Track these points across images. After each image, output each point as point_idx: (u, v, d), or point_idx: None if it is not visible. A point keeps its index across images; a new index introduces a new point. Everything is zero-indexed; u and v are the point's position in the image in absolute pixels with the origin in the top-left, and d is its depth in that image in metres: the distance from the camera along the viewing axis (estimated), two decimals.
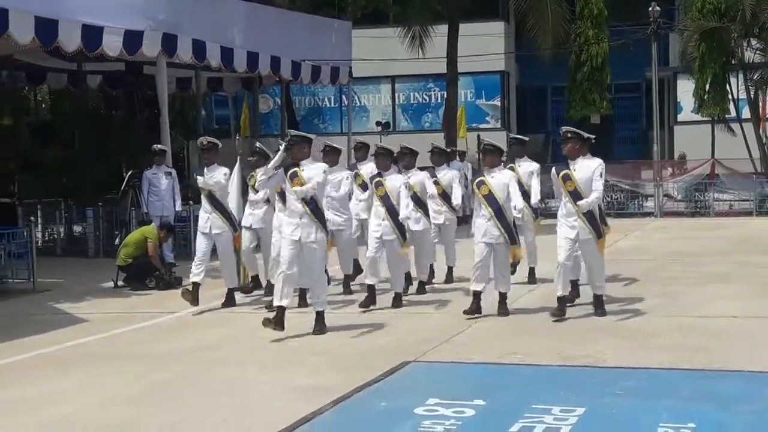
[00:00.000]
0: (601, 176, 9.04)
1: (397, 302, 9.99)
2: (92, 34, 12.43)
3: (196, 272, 9.99)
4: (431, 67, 24.57)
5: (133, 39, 13.18)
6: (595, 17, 27.21)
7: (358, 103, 28.44)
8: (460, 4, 22.82)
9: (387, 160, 9.96)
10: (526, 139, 11.90)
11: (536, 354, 7.69)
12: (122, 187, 14.23)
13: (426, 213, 10.64)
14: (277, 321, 8.38)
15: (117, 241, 9.11)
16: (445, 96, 23.93)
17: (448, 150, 11.47)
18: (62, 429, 6.05)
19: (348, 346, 8.28)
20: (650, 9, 25.10)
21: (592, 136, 9.53)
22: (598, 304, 9.26)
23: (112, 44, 12.83)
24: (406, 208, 9.72)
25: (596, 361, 7.47)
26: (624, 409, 6.10)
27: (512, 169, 10.45)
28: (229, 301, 10.30)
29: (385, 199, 9.78)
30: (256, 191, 9.77)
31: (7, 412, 6.50)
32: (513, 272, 10.32)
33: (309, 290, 9.21)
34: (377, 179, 9.93)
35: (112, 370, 7.49)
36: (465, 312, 9.16)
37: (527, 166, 11.00)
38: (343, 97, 26.52)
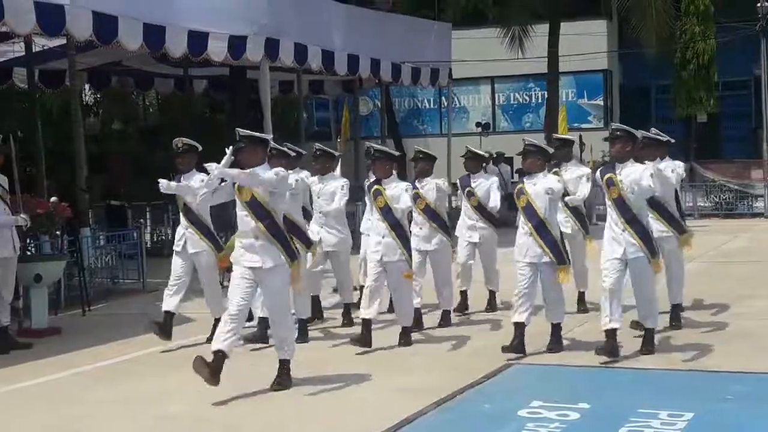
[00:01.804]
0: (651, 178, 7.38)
1: (405, 338, 8.41)
2: (198, 40, 12.70)
3: (169, 299, 8.59)
4: (531, 67, 24.34)
5: (237, 44, 13.43)
6: (702, 13, 26.48)
7: (458, 104, 28.37)
8: (561, 3, 22.55)
9: (386, 164, 8.41)
10: (573, 139, 10.46)
11: (640, 357, 7.54)
12: None
13: (443, 228, 9.20)
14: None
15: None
16: (546, 96, 23.68)
17: (486, 154, 10.52)
18: (173, 423, 6.21)
19: (448, 349, 8.27)
20: (758, 5, 24.32)
21: (664, 137, 8.66)
22: (646, 340, 7.68)
23: (217, 50, 13.09)
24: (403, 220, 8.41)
25: (702, 365, 7.29)
26: (734, 415, 5.94)
27: (557, 174, 9.07)
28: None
29: (386, 212, 8.29)
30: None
31: (122, 406, 6.73)
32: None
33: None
34: (376, 187, 8.40)
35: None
36: (504, 349, 7.72)
37: (575, 171, 9.45)
38: (443, 98, 26.47)
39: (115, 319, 10.43)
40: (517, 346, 7.72)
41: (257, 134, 7.02)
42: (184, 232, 8.60)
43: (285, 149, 8.62)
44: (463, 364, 7.53)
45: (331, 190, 9.14)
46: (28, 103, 15.46)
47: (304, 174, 9.16)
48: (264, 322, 8.30)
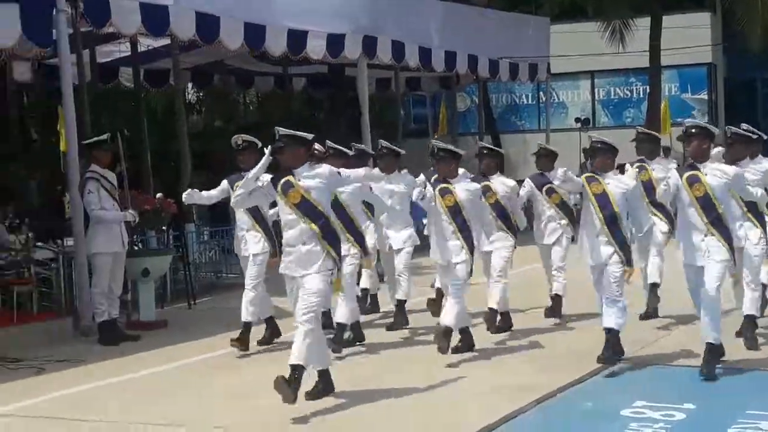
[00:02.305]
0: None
1: (445, 341, 7.71)
2: (297, 39, 12.87)
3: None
4: (633, 61, 23.85)
5: (335, 42, 13.56)
6: None
7: (557, 100, 28.00)
8: None
9: (450, 164, 7.95)
10: (658, 135, 9.76)
11: (746, 358, 7.33)
12: None
13: (510, 228, 8.83)
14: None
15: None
16: (648, 90, 23.19)
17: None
18: (269, 415, 6.30)
19: (550, 348, 8.20)
20: None
21: (756, 134, 8.01)
22: (709, 357, 6.94)
23: (315, 48, 13.25)
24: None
25: None
26: None
27: (644, 168, 8.87)
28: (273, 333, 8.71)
29: (454, 212, 7.82)
30: None
31: (224, 397, 6.88)
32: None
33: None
34: (443, 186, 7.91)
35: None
36: (599, 359, 7.29)
37: (662, 169, 8.74)
38: (541, 93, 26.17)
39: (219, 312, 10.66)
40: (611, 353, 7.30)
41: (298, 133, 6.61)
42: (243, 234, 8.49)
43: (342, 149, 8.49)
44: (565, 363, 7.45)
45: (401, 190, 8.95)
46: (134, 102, 15.88)
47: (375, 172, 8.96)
48: (357, 326, 8.43)
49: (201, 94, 23.30)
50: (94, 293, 9.27)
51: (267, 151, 6.54)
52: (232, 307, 10.80)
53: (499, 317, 8.79)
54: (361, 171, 7.71)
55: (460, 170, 8.40)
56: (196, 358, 8.20)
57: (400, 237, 9.15)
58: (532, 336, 8.68)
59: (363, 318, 8.97)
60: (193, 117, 22.72)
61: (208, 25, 11.30)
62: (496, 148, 9.23)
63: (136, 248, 10.48)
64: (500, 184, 8.81)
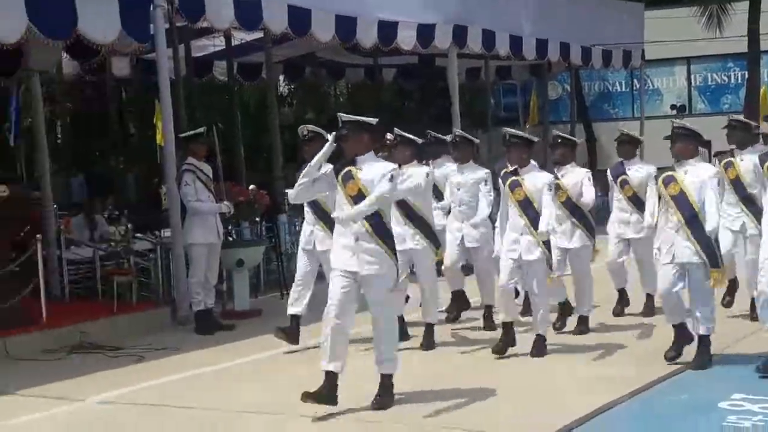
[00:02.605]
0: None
1: (537, 348, 7.55)
2: (388, 30, 12.91)
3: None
4: (731, 46, 23.18)
5: (426, 32, 13.55)
6: None
7: (651, 87, 27.42)
8: None
9: (522, 151, 7.49)
10: (752, 123, 8.87)
11: None
12: None
13: (586, 225, 8.34)
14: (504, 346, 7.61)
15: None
16: (746, 76, 22.53)
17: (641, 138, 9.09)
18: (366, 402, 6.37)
19: (644, 340, 8.07)
20: None
21: None
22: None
23: (406, 39, 13.26)
24: (548, 218, 7.45)
25: None
26: None
27: (731, 163, 8.28)
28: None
29: (525, 206, 7.42)
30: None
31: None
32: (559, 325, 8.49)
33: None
34: (514, 178, 7.51)
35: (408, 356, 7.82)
36: (665, 357, 7.11)
37: (754, 159, 7.77)
38: (635, 80, 25.67)
39: (310, 302, 10.75)
40: (677, 351, 7.08)
41: (361, 119, 6.26)
42: (312, 229, 7.98)
43: (411, 137, 8.07)
44: (648, 359, 7.30)
45: (471, 182, 8.56)
46: (228, 95, 16.15)
47: (448, 165, 8.87)
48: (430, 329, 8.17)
49: (292, 86, 23.58)
50: (191, 283, 9.48)
51: (330, 138, 6.22)
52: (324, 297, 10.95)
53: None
54: (419, 179, 7.64)
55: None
56: (287, 347, 8.29)
57: (473, 232, 8.57)
58: (630, 328, 8.53)
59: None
60: (284, 109, 23.02)
61: (299, 18, 11.41)
62: (569, 137, 8.79)
63: (230, 239, 10.67)
64: (573, 176, 8.34)
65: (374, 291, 6.12)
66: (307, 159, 7.45)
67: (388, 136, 8.32)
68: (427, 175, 7.87)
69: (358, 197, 6.07)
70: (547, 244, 7.43)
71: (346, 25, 12.16)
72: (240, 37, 14.08)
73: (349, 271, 6.06)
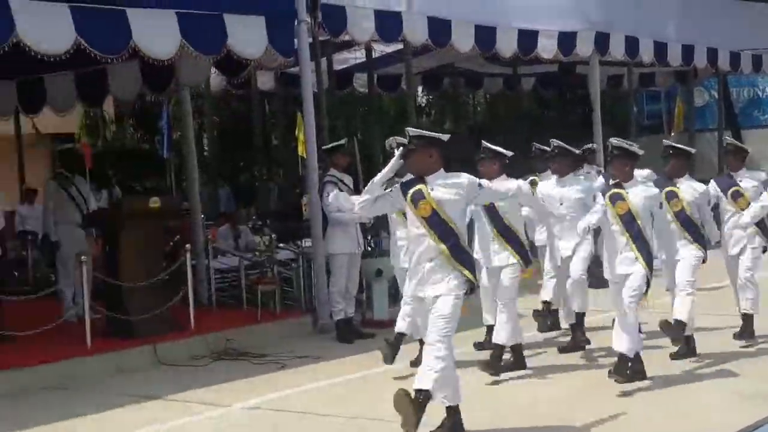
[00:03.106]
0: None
1: (617, 373, 6.93)
2: (528, 39, 12.81)
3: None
4: None
5: (567, 40, 13.37)
6: None
7: None
8: None
9: (625, 163, 7.08)
10: None
11: None
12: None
13: (698, 240, 7.72)
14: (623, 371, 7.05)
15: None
16: None
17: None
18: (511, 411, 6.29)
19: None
20: None
21: None
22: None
23: (547, 47, 13.12)
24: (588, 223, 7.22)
25: None
26: None
27: None
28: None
29: (627, 221, 7.00)
30: None
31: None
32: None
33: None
34: (615, 191, 7.09)
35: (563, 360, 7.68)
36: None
37: None
38: None
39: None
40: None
41: (431, 134, 5.92)
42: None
43: (499, 150, 7.60)
44: None
45: (575, 196, 8.14)
46: (367, 106, 16.34)
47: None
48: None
49: (431, 97, 23.66)
50: (332, 292, 9.62)
51: (397, 153, 5.90)
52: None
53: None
54: (511, 184, 7.21)
55: (645, 171, 7.97)
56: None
57: (571, 245, 8.12)
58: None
59: (542, 336, 8.64)
60: (422, 120, 23.12)
61: (439, 29, 11.47)
62: (684, 147, 8.09)
63: (369, 249, 10.77)
64: (689, 189, 7.80)
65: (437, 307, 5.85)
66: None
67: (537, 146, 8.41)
68: (519, 187, 7.32)
69: (431, 218, 5.73)
70: (647, 261, 6.93)
71: (485, 35, 12.14)
72: (380, 49, 14.23)
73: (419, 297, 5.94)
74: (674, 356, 7.75)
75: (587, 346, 8.30)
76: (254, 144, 18.87)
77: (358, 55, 15.12)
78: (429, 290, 5.76)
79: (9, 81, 12.35)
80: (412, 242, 5.90)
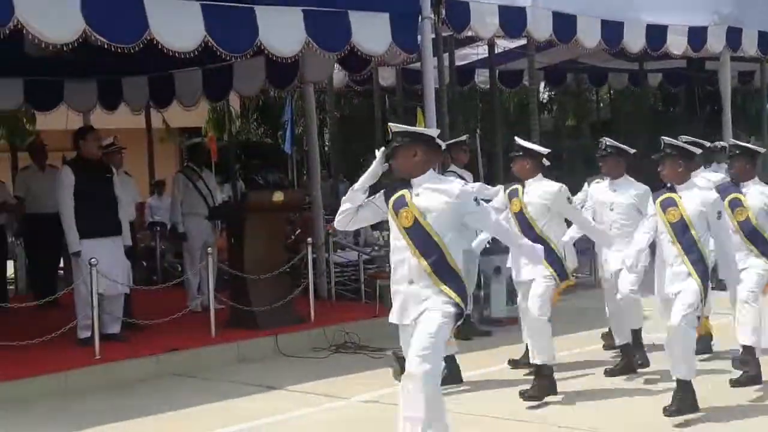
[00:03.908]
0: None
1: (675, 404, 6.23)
2: (656, 34, 12.48)
3: None
4: None
5: (697, 36, 12.96)
6: None
7: None
8: None
9: (677, 163, 6.38)
10: None
11: None
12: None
13: (765, 253, 6.94)
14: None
15: None
16: None
17: None
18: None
19: None
20: None
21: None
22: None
23: (676, 42, 12.76)
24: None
25: None
26: None
27: None
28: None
29: (680, 229, 6.27)
30: None
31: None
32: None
33: None
34: (667, 195, 6.39)
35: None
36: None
37: None
38: None
39: (568, 312, 10.53)
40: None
41: (417, 130, 5.24)
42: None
43: (532, 147, 7.13)
44: None
45: (627, 201, 7.54)
46: (487, 102, 16.24)
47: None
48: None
49: (553, 92, 23.36)
50: None
51: (378, 154, 5.14)
52: (585, 306, 10.73)
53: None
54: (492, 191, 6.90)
55: (716, 176, 7.48)
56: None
57: (619, 256, 7.16)
58: None
59: (609, 353, 8.13)
60: (543, 116, 22.84)
61: (564, 24, 11.28)
62: (751, 146, 7.26)
63: (487, 246, 10.69)
64: (758, 194, 7.00)
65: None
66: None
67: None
68: (560, 190, 6.96)
69: (413, 229, 4.92)
70: (702, 276, 6.18)
71: (612, 30, 11.88)
72: (503, 45, 14.11)
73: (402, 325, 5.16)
74: (735, 383, 6.95)
75: (641, 369, 7.56)
76: (374, 139, 19.02)
77: (480, 51, 15.02)
78: (413, 312, 4.95)
79: (141, 77, 12.78)
80: (392, 257, 5.08)
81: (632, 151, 7.75)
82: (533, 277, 6.99)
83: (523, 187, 7.14)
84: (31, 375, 7.69)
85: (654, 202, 6.49)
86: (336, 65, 11.49)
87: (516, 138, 7.32)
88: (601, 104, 24.99)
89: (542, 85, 20.43)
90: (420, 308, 4.93)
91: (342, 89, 17.72)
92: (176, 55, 8.12)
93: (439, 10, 10.00)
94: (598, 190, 7.86)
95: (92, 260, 8.07)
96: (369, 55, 9.56)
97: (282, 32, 8.60)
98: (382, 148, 5.16)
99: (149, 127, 15.03)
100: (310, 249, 9.61)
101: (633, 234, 6.87)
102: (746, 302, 6.91)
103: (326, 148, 21.23)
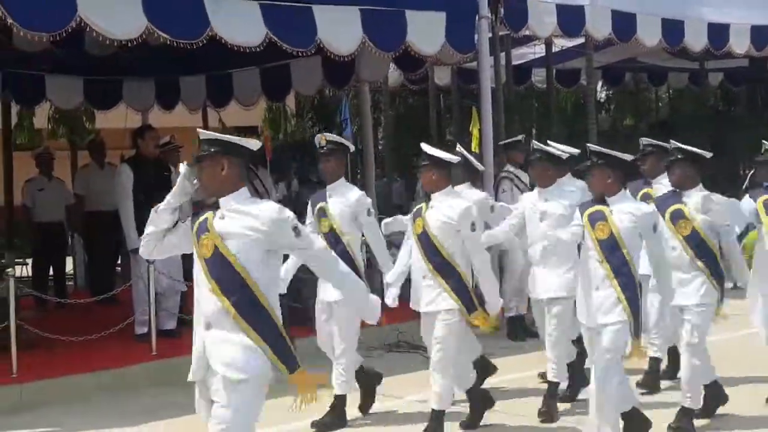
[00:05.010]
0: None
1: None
2: (718, 33, 12.30)
3: None
4: None
5: (760, 35, 12.76)
6: None
7: None
8: None
9: (687, 169, 6.03)
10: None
11: None
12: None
13: (715, 274, 6.07)
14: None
15: None
16: None
17: None
18: None
19: None
20: None
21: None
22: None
23: (738, 42, 12.56)
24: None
25: None
26: None
27: None
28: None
29: (609, 248, 5.50)
30: None
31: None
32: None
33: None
34: (595, 208, 5.66)
35: None
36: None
37: None
38: None
39: None
40: None
41: (227, 138, 4.14)
42: None
43: (440, 155, 6.23)
44: None
45: (558, 212, 6.67)
46: (543, 102, 16.09)
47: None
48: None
49: (611, 92, 23.08)
50: (504, 290, 9.52)
51: (182, 167, 4.19)
52: None
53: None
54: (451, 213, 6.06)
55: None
56: None
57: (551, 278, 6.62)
58: None
59: None
60: (601, 115, 22.56)
61: (624, 23, 11.19)
62: (694, 150, 6.16)
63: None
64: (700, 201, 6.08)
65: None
66: (328, 178, 6.48)
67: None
68: (467, 209, 6.09)
69: (212, 260, 4.03)
70: (632, 304, 5.46)
71: (673, 28, 11.75)
72: (560, 44, 13.99)
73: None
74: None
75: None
76: (429, 138, 18.97)
77: (537, 50, 14.92)
78: (215, 364, 4.06)
79: (199, 76, 12.91)
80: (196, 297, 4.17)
81: (565, 156, 6.90)
82: (437, 309, 6.20)
83: (428, 202, 6.24)
84: (89, 370, 7.81)
85: (581, 215, 5.72)
86: (391, 64, 11.49)
87: (422, 145, 6.39)
88: (660, 104, 24.64)
89: (599, 84, 20.21)
90: (217, 366, 4.06)
91: (397, 88, 17.72)
92: (240, 49, 8.16)
93: (497, 9, 9.95)
94: (527, 199, 7.03)
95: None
96: (421, 55, 9.54)
97: (339, 30, 8.66)
98: (185, 162, 4.22)
99: (206, 126, 15.16)
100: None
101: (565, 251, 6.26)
102: (690, 345, 6.08)
103: (380, 147, 21.23)
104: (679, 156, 6.13)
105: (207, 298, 4.06)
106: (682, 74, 18.40)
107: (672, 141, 6.47)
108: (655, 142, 7.40)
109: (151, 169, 8.92)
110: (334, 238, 6.40)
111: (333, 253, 4.56)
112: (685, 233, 6.01)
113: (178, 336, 8.78)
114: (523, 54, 15.37)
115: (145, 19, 7.45)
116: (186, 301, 9.28)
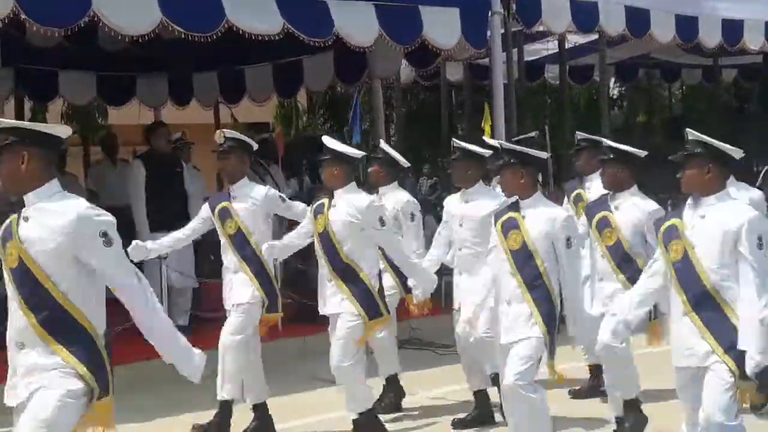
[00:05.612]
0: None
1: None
2: (732, 29, 12.22)
3: None
4: None
5: None
6: None
7: None
8: None
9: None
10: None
11: None
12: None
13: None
14: None
15: None
16: None
17: None
18: None
19: None
20: None
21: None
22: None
23: (752, 38, 12.47)
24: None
25: None
26: None
27: None
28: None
29: (522, 259, 5.07)
30: None
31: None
32: None
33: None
34: (509, 215, 5.19)
35: None
36: None
37: None
38: None
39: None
40: None
41: (22, 125, 3.66)
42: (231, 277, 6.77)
43: (343, 149, 5.96)
44: None
45: (480, 215, 6.19)
46: (556, 98, 16.05)
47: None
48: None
49: (623, 88, 23.02)
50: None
51: None
52: None
53: None
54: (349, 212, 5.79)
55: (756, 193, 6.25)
56: None
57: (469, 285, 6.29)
58: None
59: None
60: (614, 111, 22.50)
61: (637, 19, 11.13)
62: (627, 149, 5.84)
63: None
64: (632, 207, 5.71)
65: None
66: (228, 178, 6.27)
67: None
68: (369, 205, 5.82)
69: (19, 272, 3.59)
70: (548, 320, 4.99)
71: (687, 24, 11.68)
72: (573, 40, 13.93)
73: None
74: None
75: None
76: (441, 134, 18.95)
77: (549, 46, 14.85)
78: (22, 390, 3.56)
79: (212, 73, 12.92)
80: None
81: (487, 153, 6.39)
82: (339, 311, 5.98)
83: (331, 199, 5.94)
84: None
85: (495, 223, 5.18)
86: (403, 60, 11.47)
87: (324, 138, 6.16)
88: (673, 100, 24.56)
89: (612, 80, 20.15)
90: (30, 385, 3.55)
91: (409, 84, 17.68)
92: (258, 38, 8.14)
93: (510, 5, 9.91)
94: (450, 202, 6.56)
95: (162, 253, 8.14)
96: (440, 49, 9.54)
97: (357, 23, 8.65)
98: None
99: (218, 123, 15.14)
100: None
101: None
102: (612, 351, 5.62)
103: (392, 143, 21.20)
104: (611, 155, 5.72)
105: (16, 314, 3.56)
106: (696, 70, 18.31)
107: (604, 140, 6.10)
108: (588, 136, 6.87)
109: (164, 165, 8.92)
110: (241, 240, 6.21)
111: (144, 281, 3.89)
112: (609, 243, 5.64)
113: (190, 332, 8.77)
114: (536, 50, 15.30)
115: (160, 13, 7.44)
116: (199, 298, 9.30)
